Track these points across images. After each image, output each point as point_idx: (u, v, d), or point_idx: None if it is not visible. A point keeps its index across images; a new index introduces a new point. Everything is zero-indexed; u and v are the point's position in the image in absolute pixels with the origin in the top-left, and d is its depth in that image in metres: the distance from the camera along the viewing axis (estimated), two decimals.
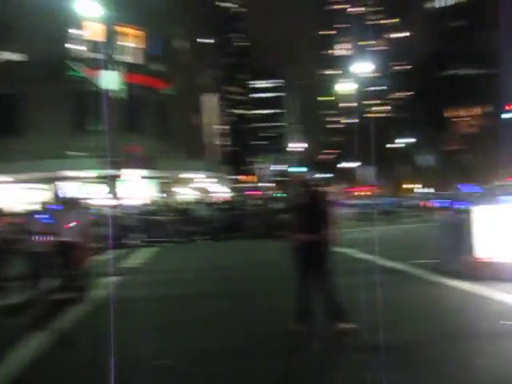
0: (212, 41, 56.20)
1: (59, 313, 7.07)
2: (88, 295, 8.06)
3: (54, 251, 8.29)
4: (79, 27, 24.93)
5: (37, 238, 8.52)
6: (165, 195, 27.56)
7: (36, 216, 9.37)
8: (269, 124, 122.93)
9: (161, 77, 28.13)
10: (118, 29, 24.92)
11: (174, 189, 29.50)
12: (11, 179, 24.53)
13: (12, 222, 11.10)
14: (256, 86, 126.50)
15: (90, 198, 15.33)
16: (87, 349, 5.25)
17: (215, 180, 34.90)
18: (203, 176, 31.57)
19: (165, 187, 28.77)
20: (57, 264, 8.20)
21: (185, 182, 31.60)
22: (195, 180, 31.35)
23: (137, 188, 23.09)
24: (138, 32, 27.35)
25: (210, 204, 20.10)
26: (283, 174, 73.53)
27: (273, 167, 78.10)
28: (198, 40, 43.94)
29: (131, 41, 27.08)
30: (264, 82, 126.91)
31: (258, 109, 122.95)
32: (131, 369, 4.62)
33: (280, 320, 5.84)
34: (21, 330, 6.12)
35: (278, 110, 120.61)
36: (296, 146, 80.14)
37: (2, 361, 4.93)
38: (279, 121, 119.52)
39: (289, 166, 70.17)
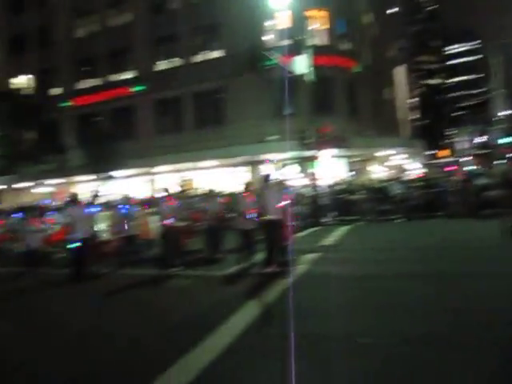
0: (397, 9, 53.06)
1: (267, 285, 7.76)
2: (291, 270, 8.62)
3: (261, 228, 9.11)
4: (271, 18, 26.38)
5: (246, 216, 9.46)
6: (355, 174, 27.48)
7: (241, 196, 10.45)
8: (467, 92, 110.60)
9: (348, 55, 27.80)
10: (305, 13, 25.41)
11: (367, 167, 29.17)
12: (217, 163, 27.48)
13: (223, 201, 12.62)
14: (450, 51, 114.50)
15: (288, 179, 16.23)
16: (288, 321, 5.62)
17: (409, 156, 33.28)
18: (396, 153, 30.41)
19: (356, 166, 28.66)
20: (264, 240, 9.01)
21: (377, 160, 30.92)
22: (388, 157, 30.38)
23: (329, 168, 23.47)
24: (322, 13, 27.46)
25: (405, 182, 19.22)
26: (486, 145, 65.82)
27: (472, 139, 70.40)
28: (384, 11, 41.98)
29: (317, 23, 27.36)
30: (458, 45, 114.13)
31: (453, 76, 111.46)
32: (334, 344, 4.77)
33: (489, 308, 5.33)
34: (235, 299, 6.91)
35: (477, 75, 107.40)
36: (504, 113, 70.28)
37: (221, 325, 5.58)
38: (480, 87, 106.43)
39: (496, 137, 62.11)
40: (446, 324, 5.04)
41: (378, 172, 31.06)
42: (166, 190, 11.47)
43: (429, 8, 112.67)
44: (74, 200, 10.46)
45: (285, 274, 8.42)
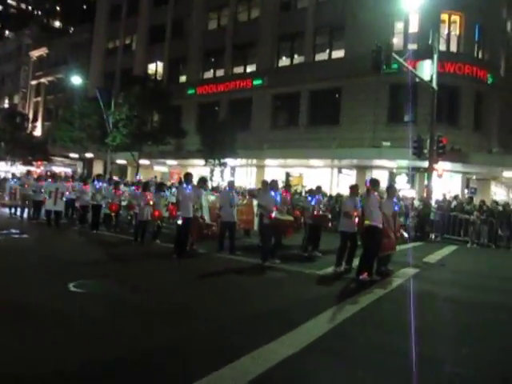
0: None
1: (359, 292, 7.57)
2: (387, 281, 8.35)
3: (361, 233, 8.89)
4: (399, 20, 25.40)
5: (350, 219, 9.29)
6: (474, 192, 25.47)
7: (347, 198, 10.35)
8: None
9: (480, 64, 25.71)
10: (436, 17, 24.03)
11: (488, 187, 26.85)
12: (326, 163, 27.23)
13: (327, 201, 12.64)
14: None
15: (398, 189, 15.69)
16: (370, 331, 5.42)
17: None
18: None
19: (475, 184, 26.54)
20: (363, 246, 8.77)
21: (500, 181, 28.33)
22: None
23: (443, 182, 22.08)
24: (455, 17, 25.70)
25: None
26: None
27: None
28: None
29: (449, 27, 25.71)
30: None
31: None
32: (407, 361, 4.52)
33: None
34: (324, 299, 6.85)
35: None
36: None
37: (305, 323, 5.56)
38: None
39: None
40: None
41: (500, 194, 28.47)
42: (265, 183, 11.72)
43: None
44: (187, 179, 10.75)
45: (380, 283, 8.17)
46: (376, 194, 8.99)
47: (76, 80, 35.17)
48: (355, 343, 5.05)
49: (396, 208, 9.44)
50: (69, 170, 39.81)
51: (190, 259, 10.14)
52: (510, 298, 7.86)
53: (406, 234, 14.37)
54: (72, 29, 58.03)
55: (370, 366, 4.39)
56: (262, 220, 10.19)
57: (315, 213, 11.69)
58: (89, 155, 38.77)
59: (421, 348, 4.96)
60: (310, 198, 12.20)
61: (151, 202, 12.20)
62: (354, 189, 10.06)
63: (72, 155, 40.72)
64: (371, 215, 8.47)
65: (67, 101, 42.27)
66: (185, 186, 10.62)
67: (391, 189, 10.01)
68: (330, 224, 12.75)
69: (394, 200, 9.80)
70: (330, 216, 12.96)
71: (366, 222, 8.55)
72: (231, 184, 12.29)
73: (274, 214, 9.68)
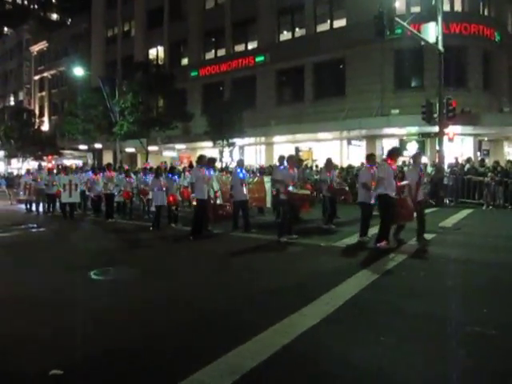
0: None
1: (379, 260, 7.60)
2: (404, 248, 8.37)
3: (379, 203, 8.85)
4: None
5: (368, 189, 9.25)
6: (486, 154, 25.15)
7: (363, 169, 10.29)
8: None
9: (485, 22, 25.02)
10: None
11: (499, 147, 26.48)
12: (335, 136, 27.02)
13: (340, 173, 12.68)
14: None
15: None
16: (390, 298, 5.46)
17: None
18: None
19: (487, 145, 26.20)
20: (380, 215, 8.77)
21: None
22: None
23: (455, 146, 21.80)
24: None
25: None
26: None
27: None
28: None
29: None
30: None
31: None
32: (435, 326, 4.56)
33: None
34: (345, 269, 6.90)
35: None
36: None
37: (326, 293, 5.62)
38: None
39: None
40: None
41: None
42: (282, 158, 11.66)
43: None
44: (201, 161, 10.79)
45: (397, 250, 8.19)
46: (391, 162, 8.83)
47: (78, 71, 35.10)
48: (375, 310, 5.08)
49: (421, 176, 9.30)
50: (79, 162, 40.09)
51: (207, 240, 10.24)
52: None
53: (432, 202, 14.58)
54: (70, 20, 57.69)
55: (392, 331, 4.42)
56: (279, 195, 10.08)
57: (333, 185, 11.71)
58: (98, 146, 38.92)
59: (441, 310, 5.00)
60: (322, 172, 12.29)
61: (164, 188, 12.26)
62: (370, 158, 9.93)
63: (81, 147, 40.92)
64: (383, 184, 8.41)
65: (72, 93, 42.31)
66: (199, 167, 10.63)
67: (417, 156, 9.81)
68: (350, 196, 12.65)
69: (420, 167, 9.64)
70: (347, 188, 12.86)
71: (379, 191, 8.50)
72: (241, 163, 12.25)
73: (290, 189, 9.58)
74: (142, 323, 4.79)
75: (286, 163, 10.34)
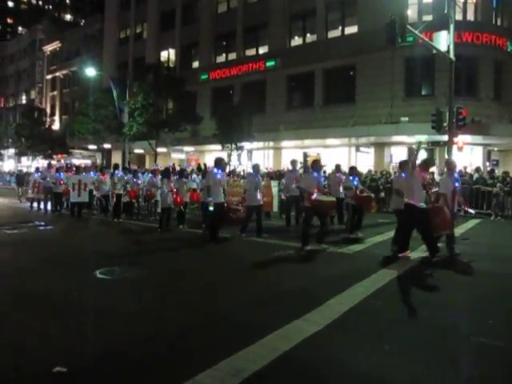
0: None
1: (388, 266, 7.58)
2: (410, 257, 8.30)
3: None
4: None
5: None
6: (496, 164, 24.99)
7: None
8: None
9: (498, 31, 24.90)
10: None
11: (509, 158, 26.29)
12: (344, 142, 26.96)
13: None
14: None
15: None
16: (402, 303, 5.43)
17: None
18: None
19: (497, 156, 26.04)
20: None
21: None
22: None
23: (464, 155, 21.68)
24: None
25: None
26: None
27: None
28: None
29: None
30: None
31: None
32: (433, 335, 4.55)
33: None
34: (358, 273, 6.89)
35: None
36: None
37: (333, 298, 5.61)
38: None
39: None
40: None
41: None
42: (294, 162, 11.71)
43: None
44: (219, 164, 10.48)
45: (404, 259, 8.14)
46: (421, 172, 8.38)
47: (90, 72, 35.35)
48: (380, 318, 5.07)
49: (457, 184, 9.03)
50: (88, 162, 40.37)
51: (221, 243, 10.19)
52: None
53: (471, 210, 14.53)
54: (83, 21, 58.20)
55: (395, 340, 4.41)
56: (303, 202, 9.86)
57: (358, 193, 11.34)
58: (107, 146, 39.17)
59: (446, 320, 4.98)
60: (351, 178, 11.77)
61: (174, 189, 12.28)
62: (404, 165, 9.42)
63: (91, 147, 41.21)
64: (409, 193, 8.13)
65: (83, 93, 42.68)
66: (215, 171, 10.37)
67: (450, 163, 9.34)
68: (373, 205, 12.19)
69: (455, 176, 9.33)
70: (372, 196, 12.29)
71: (405, 200, 8.26)
72: (256, 168, 11.92)
73: (315, 196, 9.14)
74: (146, 324, 4.81)
75: (297, 167, 10.38)
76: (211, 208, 9.85)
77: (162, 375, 3.65)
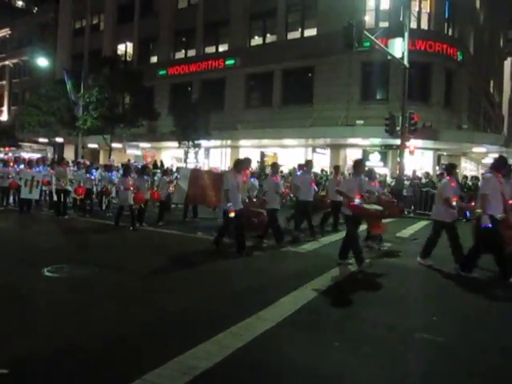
0: None
1: (339, 266, 7.71)
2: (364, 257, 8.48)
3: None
4: None
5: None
6: (443, 168, 26.01)
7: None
8: None
9: (449, 41, 25.98)
10: None
11: (457, 162, 27.46)
12: (300, 143, 27.30)
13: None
14: None
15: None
16: (351, 301, 5.56)
17: (508, 156, 30.73)
18: (495, 151, 28.17)
19: (446, 160, 27.12)
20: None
21: (470, 157, 29.02)
22: (484, 155, 28.27)
23: (415, 159, 22.46)
24: None
25: None
26: None
27: None
28: None
29: (419, 5, 25.84)
30: None
31: None
32: (381, 330, 4.68)
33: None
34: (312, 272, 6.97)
35: None
36: None
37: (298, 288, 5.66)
38: None
39: None
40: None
41: (470, 169, 29.18)
42: (310, 162, 11.55)
43: None
44: (238, 166, 9.07)
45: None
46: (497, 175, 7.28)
47: (42, 62, 34.06)
48: (330, 315, 5.18)
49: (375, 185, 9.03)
50: (38, 156, 38.82)
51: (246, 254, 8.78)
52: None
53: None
54: (36, 8, 55.95)
55: (345, 337, 4.50)
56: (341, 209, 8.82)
57: (382, 198, 10.26)
58: (59, 140, 37.84)
59: (393, 317, 5.14)
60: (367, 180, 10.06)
61: (131, 188, 11.75)
62: (451, 170, 8.47)
63: (41, 140, 39.65)
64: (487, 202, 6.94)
65: (34, 84, 41.00)
66: (234, 174, 8.92)
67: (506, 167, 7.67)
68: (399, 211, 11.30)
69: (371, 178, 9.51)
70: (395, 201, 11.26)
71: (478, 211, 7.36)
72: (276, 167, 10.77)
73: (357, 202, 7.67)
74: (96, 322, 4.69)
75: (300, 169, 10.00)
76: (232, 215, 8.45)
77: (110, 375, 3.57)
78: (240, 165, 9.10)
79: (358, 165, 8.21)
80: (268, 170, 18.23)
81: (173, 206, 16.29)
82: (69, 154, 36.39)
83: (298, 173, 12.10)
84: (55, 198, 14.37)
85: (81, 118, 28.07)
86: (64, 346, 4.04)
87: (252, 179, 15.88)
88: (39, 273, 6.52)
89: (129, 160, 26.90)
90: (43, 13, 47.76)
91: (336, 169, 12.93)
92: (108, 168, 16.03)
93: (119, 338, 4.29)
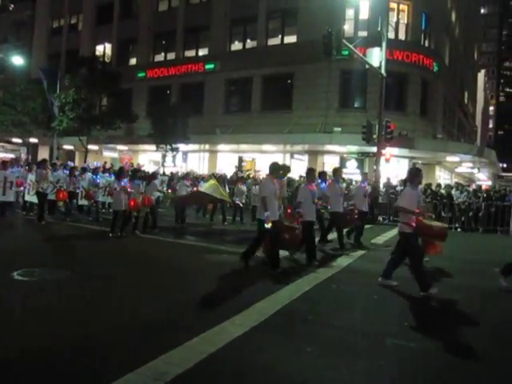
0: (491, 10, 50.19)
1: (313, 272, 7.74)
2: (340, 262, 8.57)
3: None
4: (350, 7, 25.76)
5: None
6: None
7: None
8: None
9: (425, 52, 26.58)
10: (386, 5, 24.49)
11: (432, 171, 28.00)
12: (278, 148, 27.41)
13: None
14: None
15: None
16: (326, 307, 5.57)
17: (480, 166, 31.53)
18: (467, 160, 28.84)
19: (422, 168, 27.60)
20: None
21: (444, 165, 29.62)
22: (457, 164, 28.93)
23: (391, 167, 22.82)
24: (403, 6, 26.42)
25: (473, 191, 18.33)
26: None
27: None
28: (470, 10, 39.60)
29: (397, 16, 26.38)
30: None
31: None
32: (365, 341, 4.70)
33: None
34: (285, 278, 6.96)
35: None
36: None
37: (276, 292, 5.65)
38: None
39: None
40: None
41: (444, 178, 29.78)
42: (323, 174, 10.96)
43: None
44: (274, 171, 8.20)
45: (329, 264, 8.36)
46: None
47: (17, 60, 33.33)
48: (303, 321, 5.18)
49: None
50: (11, 156, 37.93)
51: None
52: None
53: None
54: (12, 6, 54.83)
55: (318, 342, 4.51)
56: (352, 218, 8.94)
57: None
58: (33, 140, 37.06)
59: (366, 323, 5.18)
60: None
61: (129, 190, 11.07)
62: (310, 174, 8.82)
63: (15, 140, 38.75)
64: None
65: (8, 82, 40.03)
66: (271, 179, 7.99)
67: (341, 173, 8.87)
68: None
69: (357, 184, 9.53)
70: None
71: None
72: (312, 174, 9.43)
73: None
74: (60, 328, 4.55)
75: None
76: (268, 226, 7.40)
77: (78, 382, 3.48)
78: (278, 169, 8.29)
79: (417, 174, 7.14)
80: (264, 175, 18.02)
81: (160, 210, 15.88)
82: (43, 154, 35.56)
83: (321, 182, 10.84)
84: (35, 200, 13.84)
85: (56, 119, 27.56)
86: (26, 351, 3.91)
87: (242, 185, 15.92)
88: (8, 276, 6.34)
89: (105, 162, 26.52)
90: (19, 10, 46.81)
91: (365, 176, 12.61)
92: (95, 171, 15.67)
93: (88, 343, 4.19)
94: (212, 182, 13.72)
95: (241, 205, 15.86)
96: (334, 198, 10.23)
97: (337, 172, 10.88)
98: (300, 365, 3.94)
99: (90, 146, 30.00)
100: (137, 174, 12.78)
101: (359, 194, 11.38)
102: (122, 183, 11.11)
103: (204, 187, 13.20)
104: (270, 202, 7.55)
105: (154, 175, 13.72)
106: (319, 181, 10.33)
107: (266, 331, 4.72)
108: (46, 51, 41.43)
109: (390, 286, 6.87)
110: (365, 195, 11.35)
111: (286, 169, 9.23)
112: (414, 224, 6.61)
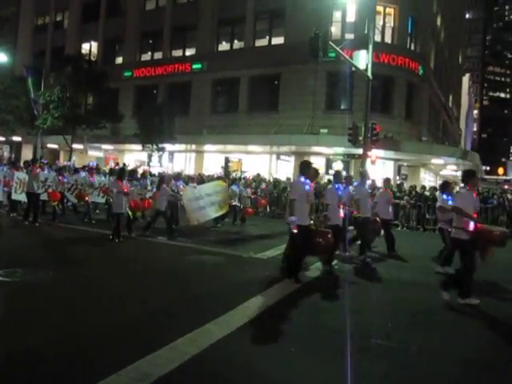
0: (475, 15, 51.03)
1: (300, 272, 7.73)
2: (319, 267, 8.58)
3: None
4: (337, 10, 25.95)
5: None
6: (404, 178, 26.75)
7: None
8: None
9: (411, 56, 26.87)
10: (372, 8, 24.69)
11: (417, 173, 28.32)
12: (265, 149, 27.44)
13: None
14: None
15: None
16: (311, 308, 5.59)
17: (463, 168, 31.98)
18: (451, 163, 29.21)
19: (406, 170, 27.90)
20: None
21: (429, 168, 29.96)
22: (442, 166, 29.28)
23: (376, 168, 22.97)
24: (390, 10, 26.67)
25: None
26: None
27: None
28: (454, 15, 40.15)
29: (384, 19, 26.61)
30: None
31: None
32: (349, 341, 4.72)
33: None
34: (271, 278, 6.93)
35: None
36: None
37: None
38: None
39: None
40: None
41: (428, 180, 30.13)
42: (349, 177, 10.53)
43: None
44: (305, 171, 7.37)
45: (312, 267, 8.38)
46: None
47: (1, 57, 32.81)
48: (289, 322, 5.20)
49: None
50: None
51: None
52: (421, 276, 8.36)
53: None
54: None
55: (302, 343, 4.52)
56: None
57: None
58: (17, 139, 36.56)
59: (350, 324, 5.19)
60: (444, 197, 8.92)
61: (126, 190, 10.67)
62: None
63: None
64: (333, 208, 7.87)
65: None
66: (302, 180, 7.25)
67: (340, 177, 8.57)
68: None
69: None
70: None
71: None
72: (338, 177, 9.18)
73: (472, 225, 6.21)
74: (41, 331, 4.49)
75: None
76: (295, 231, 6.86)
77: (64, 382, 3.43)
78: (310, 169, 7.44)
79: (473, 176, 6.73)
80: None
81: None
82: (27, 153, 35.25)
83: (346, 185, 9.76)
84: (21, 199, 13.51)
85: (40, 117, 27.23)
86: (12, 352, 3.86)
87: (235, 186, 15.58)
88: None
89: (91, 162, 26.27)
90: (3, 6, 46.11)
91: (387, 181, 12.21)
92: (90, 170, 15.44)
93: (71, 344, 4.14)
94: (220, 181, 13.58)
95: (239, 205, 15.56)
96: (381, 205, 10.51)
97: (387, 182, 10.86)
98: (284, 364, 3.95)
99: (75, 145, 29.71)
100: (134, 174, 12.53)
101: (382, 200, 10.82)
102: (123, 185, 10.67)
103: (211, 186, 12.92)
104: (300, 207, 6.96)
105: (164, 179, 12.51)
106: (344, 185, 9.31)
107: (250, 332, 4.73)
108: (31, 49, 40.93)
109: (471, 304, 6.19)
110: (388, 202, 10.91)
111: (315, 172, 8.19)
112: (471, 229, 6.12)
